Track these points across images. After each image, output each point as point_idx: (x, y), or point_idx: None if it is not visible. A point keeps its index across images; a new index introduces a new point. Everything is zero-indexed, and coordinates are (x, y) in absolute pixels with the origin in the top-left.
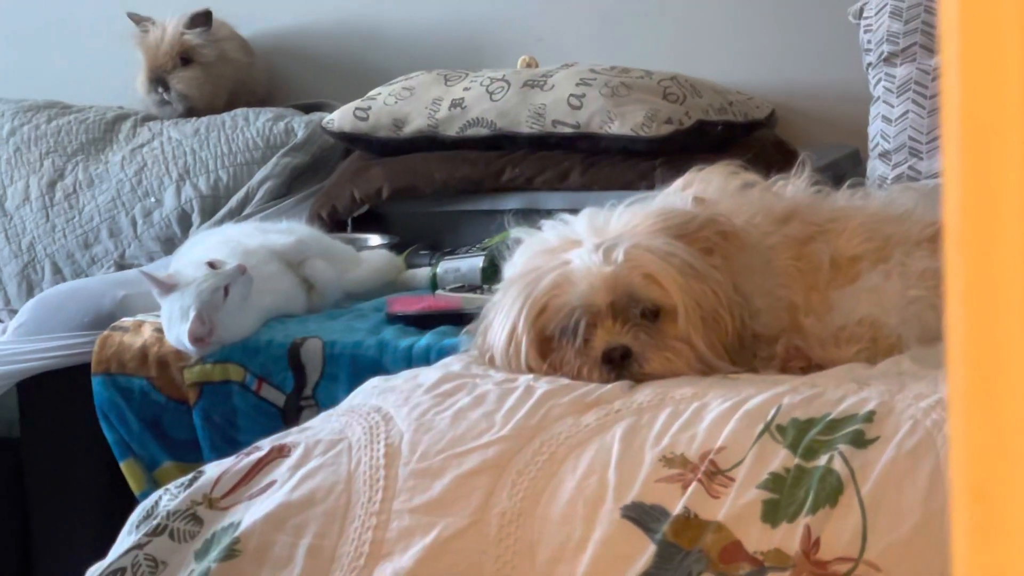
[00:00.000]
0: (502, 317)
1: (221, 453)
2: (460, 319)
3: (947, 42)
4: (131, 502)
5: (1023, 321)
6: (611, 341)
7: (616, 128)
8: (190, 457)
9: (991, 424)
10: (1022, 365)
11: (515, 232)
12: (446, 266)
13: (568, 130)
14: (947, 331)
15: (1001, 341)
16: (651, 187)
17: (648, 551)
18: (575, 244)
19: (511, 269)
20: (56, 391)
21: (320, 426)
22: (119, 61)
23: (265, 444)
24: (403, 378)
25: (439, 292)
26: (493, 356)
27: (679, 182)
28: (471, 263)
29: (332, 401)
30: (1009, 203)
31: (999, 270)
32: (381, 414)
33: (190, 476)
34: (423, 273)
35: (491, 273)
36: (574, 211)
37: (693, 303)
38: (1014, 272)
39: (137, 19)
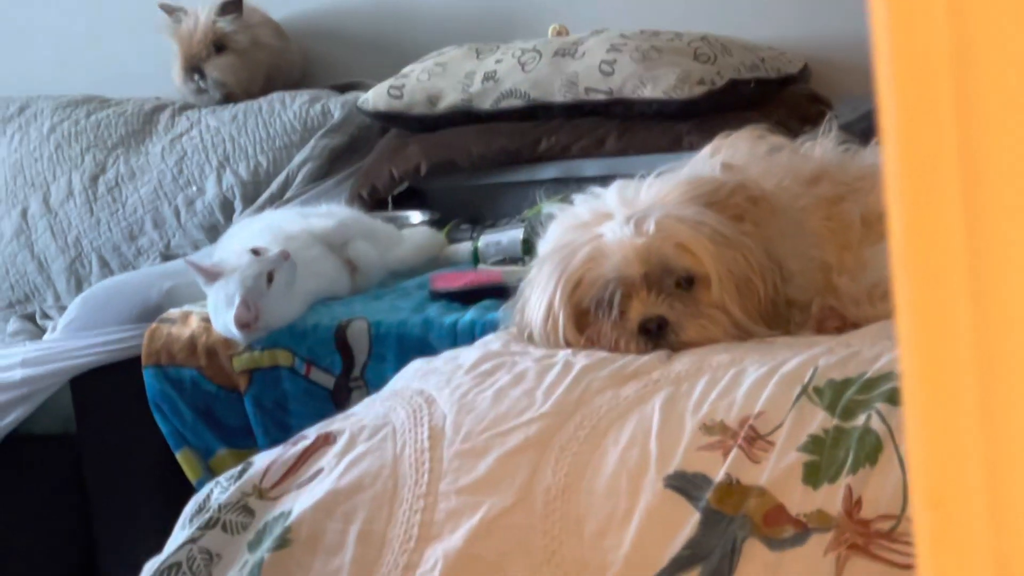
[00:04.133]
0: (538, 294)
1: (274, 438)
2: (503, 292)
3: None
4: (188, 491)
5: (973, 339)
6: (647, 312)
7: (649, 92)
8: (244, 444)
9: (946, 435)
10: (973, 378)
11: (547, 207)
12: (487, 240)
13: (601, 97)
14: (900, 347)
15: (953, 356)
16: (688, 149)
17: (692, 519)
18: (606, 217)
19: (544, 245)
20: (109, 385)
21: (364, 412)
22: (154, 52)
23: (311, 432)
24: (443, 359)
25: (481, 266)
26: (531, 333)
27: (707, 149)
28: (511, 235)
29: (381, 381)
30: (951, 205)
31: (948, 296)
32: (424, 397)
33: (239, 468)
34: (465, 248)
35: (531, 245)
36: (612, 177)
37: (726, 270)
38: (961, 298)
39: (169, 10)
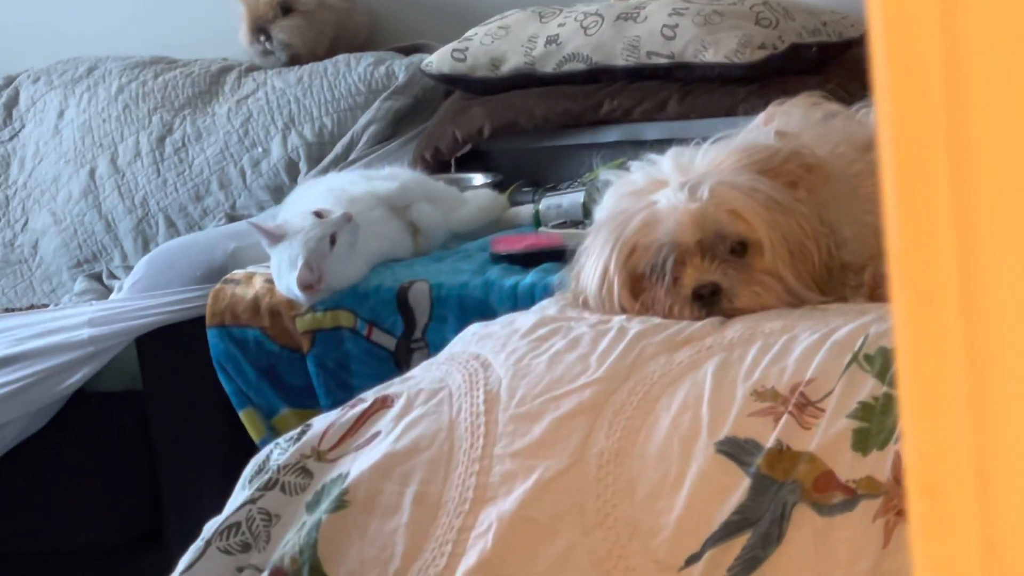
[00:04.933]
0: (593, 260)
1: (336, 398)
2: (564, 255)
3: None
4: (252, 450)
5: (963, 331)
6: (700, 278)
7: (710, 56)
8: (307, 404)
9: (939, 424)
10: (964, 369)
11: (603, 174)
12: (548, 202)
13: (663, 61)
14: (895, 338)
15: (946, 348)
16: (747, 113)
17: (743, 484)
18: (662, 184)
19: (600, 211)
20: (174, 345)
21: (421, 375)
22: (221, 14)
23: (369, 396)
24: (500, 324)
25: (542, 229)
26: (586, 298)
27: (761, 117)
28: (572, 198)
29: (442, 342)
30: (944, 218)
31: (939, 286)
32: (480, 361)
33: (299, 430)
34: (526, 210)
35: (591, 209)
36: (672, 141)
37: (779, 236)
38: (950, 287)
39: None
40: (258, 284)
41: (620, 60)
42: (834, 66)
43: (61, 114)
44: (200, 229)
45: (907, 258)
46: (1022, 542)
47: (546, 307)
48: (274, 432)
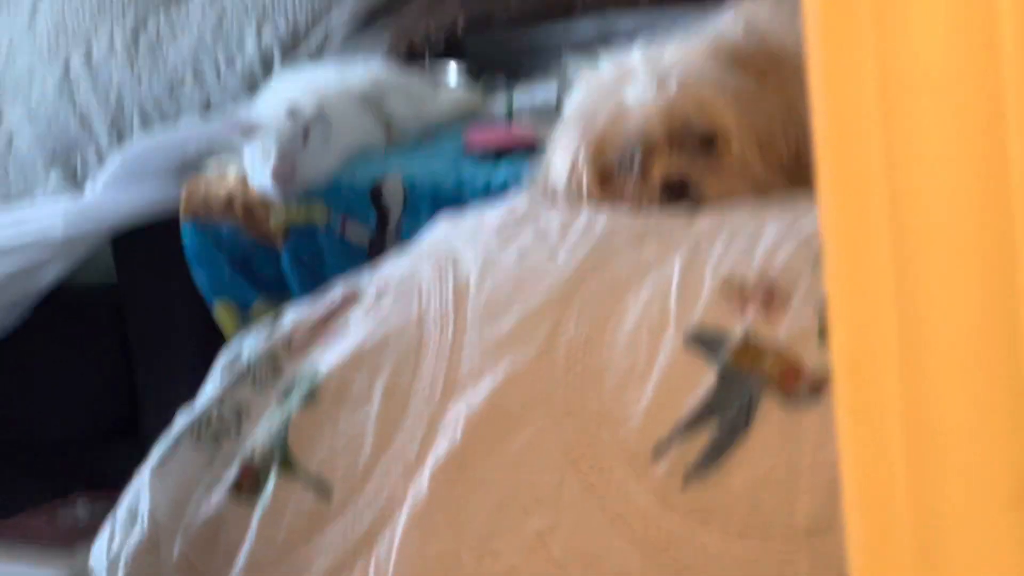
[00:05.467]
0: (562, 154)
1: (311, 291)
2: (535, 149)
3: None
4: (226, 342)
5: (888, 212)
6: (669, 170)
7: None
8: (280, 296)
9: (864, 303)
10: (889, 253)
11: (573, 68)
12: (521, 97)
13: None
14: (821, 225)
15: (872, 231)
16: (720, 1)
17: (710, 375)
18: (630, 77)
19: (570, 106)
20: (150, 242)
21: (390, 269)
22: None
23: (339, 289)
24: (468, 217)
25: (514, 122)
26: (555, 192)
27: (730, 10)
28: (545, 94)
29: (415, 236)
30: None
31: (872, 282)
32: (449, 254)
33: (269, 323)
34: (499, 104)
35: (563, 104)
36: (646, 31)
37: (748, 127)
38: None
39: None
40: (232, 178)
41: None
42: None
43: (35, 6)
44: (175, 124)
45: (832, 135)
46: (941, 419)
47: (515, 200)
48: (248, 323)
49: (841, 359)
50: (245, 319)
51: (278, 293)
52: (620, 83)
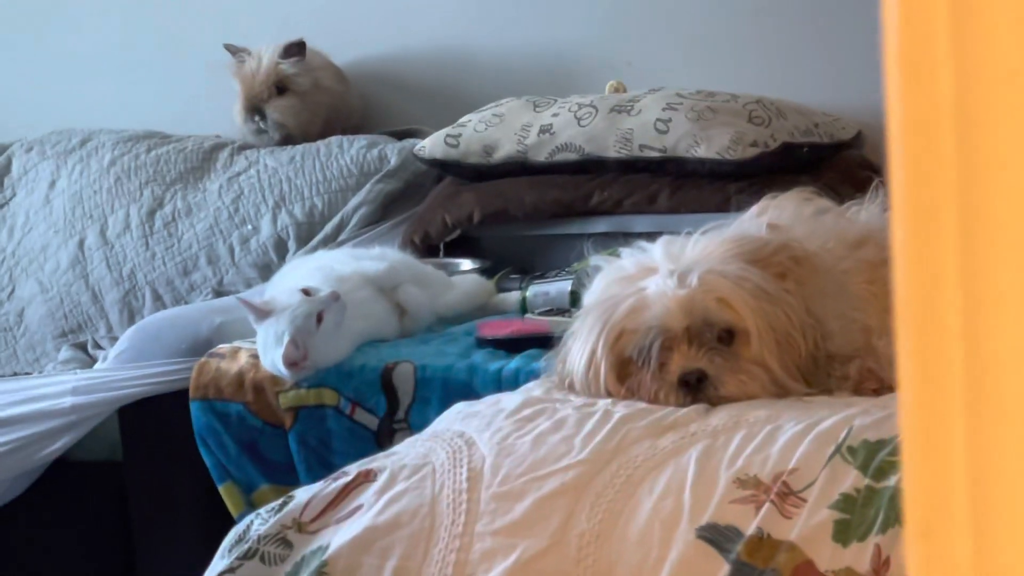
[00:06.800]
0: (581, 343)
1: (317, 476)
2: (549, 342)
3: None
4: (229, 525)
5: (963, 382)
6: (687, 365)
7: (702, 152)
8: (287, 480)
9: (935, 467)
10: (961, 413)
11: (594, 260)
12: (535, 290)
13: (655, 154)
14: (899, 387)
15: (944, 390)
16: (737, 210)
17: (723, 571)
18: (651, 271)
19: (590, 296)
20: (156, 416)
21: (405, 451)
22: (216, 92)
23: (352, 469)
24: (486, 403)
25: (528, 316)
26: (572, 382)
27: (754, 209)
28: (560, 287)
29: (424, 424)
30: (949, 266)
31: (945, 328)
32: (464, 439)
33: (280, 501)
34: (513, 297)
35: (578, 297)
36: (661, 234)
37: (766, 326)
38: (956, 330)
39: (233, 50)
40: (243, 359)
41: (612, 152)
42: (825, 167)
43: (52, 184)
44: (187, 303)
45: (911, 299)
46: None
47: (532, 388)
48: (253, 508)
49: (913, 517)
50: (250, 503)
51: (285, 478)
52: (641, 275)
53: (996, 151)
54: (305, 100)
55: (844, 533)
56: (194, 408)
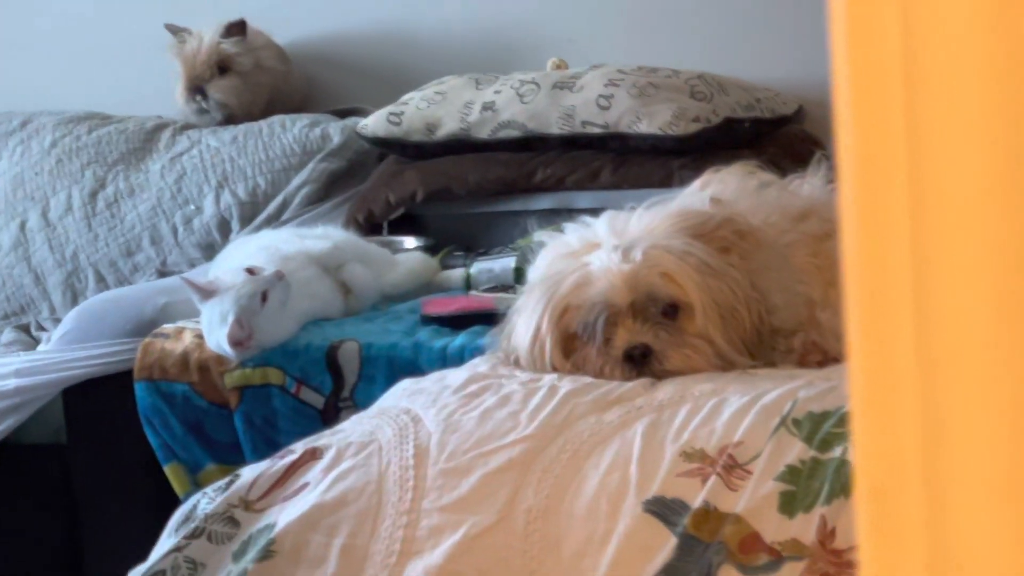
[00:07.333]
0: (526, 319)
1: (263, 455)
2: (494, 319)
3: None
4: (175, 505)
5: (911, 343)
6: (632, 340)
7: (644, 127)
8: (233, 459)
9: (887, 427)
10: (911, 379)
11: (538, 236)
12: (480, 267)
13: (597, 130)
14: (849, 357)
15: (893, 359)
16: (680, 184)
17: (669, 544)
18: (595, 246)
19: (534, 272)
20: (101, 398)
21: (351, 429)
22: (157, 72)
23: (298, 447)
24: (431, 380)
25: (473, 293)
26: (518, 357)
27: (696, 183)
28: (504, 263)
29: (370, 402)
30: (897, 227)
31: (891, 290)
32: (410, 416)
33: (227, 480)
34: (457, 274)
35: (523, 274)
36: (605, 210)
37: (710, 300)
38: (902, 294)
39: (174, 30)
40: (188, 339)
41: (555, 128)
42: (767, 142)
43: None
44: (130, 284)
45: (861, 270)
46: (967, 542)
47: (477, 364)
48: (199, 488)
49: (864, 476)
50: (196, 483)
51: (231, 457)
52: (585, 250)
53: (944, 120)
54: (247, 80)
55: (790, 504)
56: (139, 389)
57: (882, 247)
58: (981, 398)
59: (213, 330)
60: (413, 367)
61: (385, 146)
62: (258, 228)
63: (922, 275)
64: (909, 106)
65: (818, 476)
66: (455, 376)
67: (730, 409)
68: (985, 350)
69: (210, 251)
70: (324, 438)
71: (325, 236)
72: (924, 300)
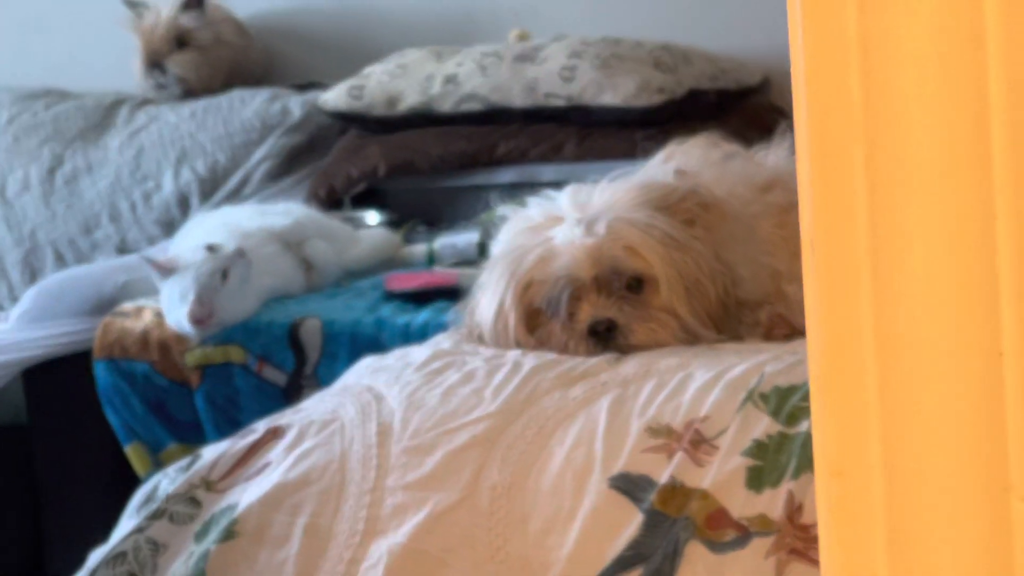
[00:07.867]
0: (489, 294)
1: (225, 434)
2: (457, 294)
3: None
4: (137, 485)
5: (870, 327)
6: (596, 314)
7: (608, 99)
8: (194, 439)
9: (847, 410)
10: (870, 359)
11: (501, 210)
12: (443, 242)
13: (561, 103)
14: (808, 337)
15: (851, 342)
16: (645, 156)
17: (636, 520)
18: (558, 220)
19: (497, 247)
20: (61, 378)
21: (314, 407)
22: (115, 46)
23: (260, 426)
24: (394, 357)
25: (436, 268)
26: (481, 333)
27: (660, 155)
28: (467, 238)
29: (333, 379)
30: (858, 211)
31: (850, 275)
32: (373, 393)
33: (188, 460)
34: (420, 249)
35: (486, 248)
36: (568, 182)
37: (675, 273)
38: (861, 278)
39: (132, 4)
40: (148, 317)
41: (518, 101)
42: (732, 113)
43: None
44: (89, 262)
45: (822, 253)
46: (924, 523)
47: (440, 341)
48: (161, 467)
49: (825, 457)
50: (157, 462)
51: (192, 437)
52: (548, 224)
53: (901, 87)
54: (206, 54)
55: (757, 479)
56: (99, 368)
57: (841, 224)
58: (940, 379)
59: (173, 308)
60: (376, 344)
61: (346, 120)
62: (218, 204)
63: (881, 256)
64: (865, 76)
65: (785, 451)
66: (418, 353)
67: (696, 384)
68: (944, 330)
69: (170, 228)
70: (286, 417)
71: (286, 212)
72: (883, 282)
